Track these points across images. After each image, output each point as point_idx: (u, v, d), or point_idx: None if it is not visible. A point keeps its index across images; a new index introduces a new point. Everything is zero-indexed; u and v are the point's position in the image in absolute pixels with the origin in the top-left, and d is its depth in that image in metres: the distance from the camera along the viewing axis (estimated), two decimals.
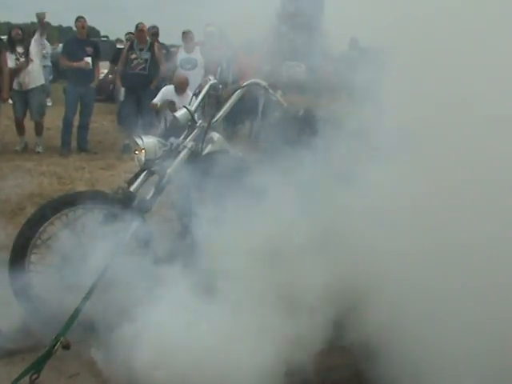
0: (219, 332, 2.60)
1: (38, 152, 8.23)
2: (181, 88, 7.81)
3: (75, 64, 8.27)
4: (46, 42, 11.77)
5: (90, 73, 8.39)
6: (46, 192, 5.57)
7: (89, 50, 8.39)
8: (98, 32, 9.35)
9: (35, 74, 8.22)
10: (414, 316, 2.46)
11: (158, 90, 8.17)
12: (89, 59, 8.31)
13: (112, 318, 2.74)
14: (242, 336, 2.61)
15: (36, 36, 8.38)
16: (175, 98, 7.81)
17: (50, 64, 11.94)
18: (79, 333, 2.88)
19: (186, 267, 2.83)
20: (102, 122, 10.65)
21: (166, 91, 7.95)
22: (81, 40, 8.52)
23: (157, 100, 7.87)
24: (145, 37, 8.66)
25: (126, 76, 8.55)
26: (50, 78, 12.37)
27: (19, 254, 3.04)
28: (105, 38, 20.86)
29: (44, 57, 11.29)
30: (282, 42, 4.24)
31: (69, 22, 9.55)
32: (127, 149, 7.97)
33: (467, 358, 2.32)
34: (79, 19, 8.52)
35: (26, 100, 8.15)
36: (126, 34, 10.06)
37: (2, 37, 8.73)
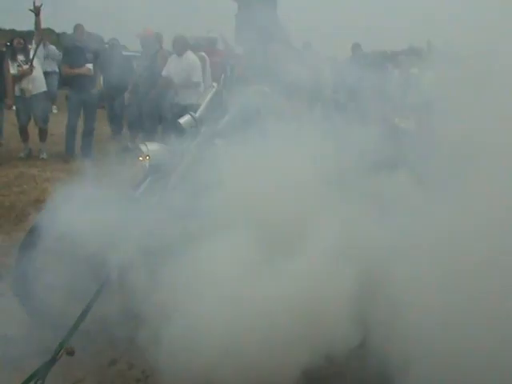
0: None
1: (43, 158, 8.25)
2: (180, 49, 7.86)
3: (77, 71, 8.27)
4: (53, 47, 11.82)
5: (92, 79, 8.39)
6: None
7: (89, 56, 8.39)
8: (101, 38, 9.30)
9: (38, 81, 8.25)
10: None
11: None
12: (90, 66, 8.31)
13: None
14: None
15: (36, 42, 8.44)
16: (177, 61, 7.89)
17: (57, 70, 11.96)
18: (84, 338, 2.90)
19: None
20: (107, 127, 10.66)
21: (170, 60, 8.02)
22: (81, 47, 8.50)
23: (164, 72, 7.95)
24: (149, 42, 8.68)
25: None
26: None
27: (24, 259, 3.05)
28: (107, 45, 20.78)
29: (52, 60, 11.35)
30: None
31: (71, 28, 9.58)
32: (127, 151, 8.00)
33: None
34: (78, 26, 8.56)
35: (29, 106, 8.18)
36: (110, 40, 10.03)
37: (8, 43, 8.77)
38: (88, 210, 3.06)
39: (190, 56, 8.00)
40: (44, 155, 8.33)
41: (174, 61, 7.95)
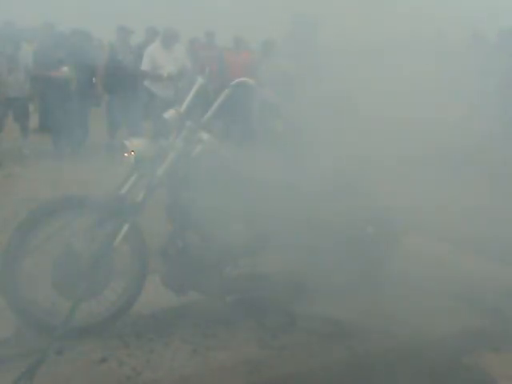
0: None
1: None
2: (169, 41, 7.78)
3: (53, 74, 7.93)
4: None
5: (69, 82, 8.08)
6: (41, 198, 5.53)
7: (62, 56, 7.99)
8: (89, 35, 9.04)
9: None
10: None
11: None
12: (66, 68, 7.95)
13: None
14: None
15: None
16: (163, 53, 7.80)
17: None
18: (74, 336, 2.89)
19: None
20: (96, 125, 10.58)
21: (152, 51, 7.88)
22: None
23: (146, 66, 7.81)
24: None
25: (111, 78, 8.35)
26: None
27: (11, 259, 3.02)
28: (97, 42, 20.57)
29: None
30: None
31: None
32: (110, 148, 7.98)
33: None
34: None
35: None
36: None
37: None
38: None
39: (181, 48, 7.99)
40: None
41: (161, 53, 7.87)
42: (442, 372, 2.92)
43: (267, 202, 3.23)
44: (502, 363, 3.00)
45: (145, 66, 7.92)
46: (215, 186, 3.18)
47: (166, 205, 3.27)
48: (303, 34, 5.53)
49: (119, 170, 3.25)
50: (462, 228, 4.49)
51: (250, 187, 3.25)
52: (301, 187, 3.29)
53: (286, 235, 3.41)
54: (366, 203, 3.70)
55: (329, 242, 3.47)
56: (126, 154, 3.18)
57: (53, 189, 5.90)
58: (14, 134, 8.43)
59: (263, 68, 7.80)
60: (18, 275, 3.01)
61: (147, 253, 3.21)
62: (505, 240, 4.25)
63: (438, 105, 4.50)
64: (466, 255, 4.34)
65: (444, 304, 3.56)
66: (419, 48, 4.84)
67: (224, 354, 3.00)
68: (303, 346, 3.11)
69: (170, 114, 3.29)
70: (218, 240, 3.24)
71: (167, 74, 7.70)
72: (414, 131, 3.95)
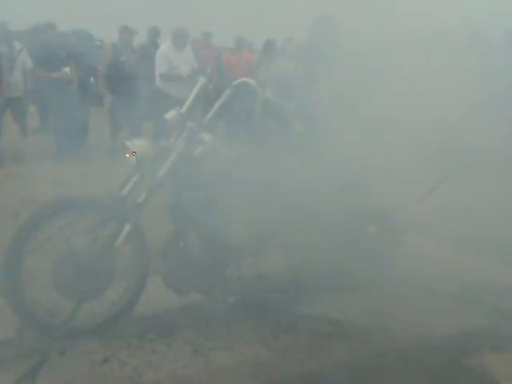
0: None
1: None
2: (181, 41, 7.78)
3: (54, 75, 8.01)
4: None
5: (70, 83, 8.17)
6: (42, 198, 5.54)
7: (64, 56, 8.09)
8: (91, 36, 8.98)
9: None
10: None
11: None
12: (67, 69, 8.07)
13: None
14: None
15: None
16: (176, 54, 7.80)
17: None
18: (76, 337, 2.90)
19: None
20: (98, 126, 10.59)
21: (164, 52, 7.87)
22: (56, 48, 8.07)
23: (162, 68, 7.82)
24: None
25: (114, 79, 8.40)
26: None
27: (12, 259, 3.03)
28: (99, 42, 20.56)
29: None
30: None
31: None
32: (111, 149, 7.98)
33: None
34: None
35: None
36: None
37: None
38: None
39: (189, 48, 8.02)
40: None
41: (174, 54, 7.88)
42: (442, 372, 2.92)
43: (268, 202, 3.24)
44: (502, 363, 3.00)
45: (161, 68, 7.89)
46: (216, 186, 3.19)
47: (167, 205, 3.27)
48: (324, 37, 5.64)
49: (120, 171, 3.26)
50: (462, 228, 4.49)
51: (251, 187, 3.26)
52: (302, 187, 3.30)
53: (288, 235, 3.42)
54: (367, 203, 3.70)
55: (329, 242, 3.47)
56: (127, 155, 3.19)
57: (53, 189, 5.90)
58: (14, 134, 8.42)
59: (263, 68, 7.82)
60: (20, 276, 3.01)
61: (148, 253, 3.21)
62: (505, 240, 4.26)
63: (438, 105, 4.50)
64: (465, 255, 4.34)
65: (444, 304, 3.56)
66: (419, 48, 4.86)
67: (225, 354, 3.01)
68: (304, 346, 3.12)
69: (171, 114, 3.29)
70: (220, 240, 3.25)
71: (186, 75, 7.71)
72: (413, 131, 3.95)
